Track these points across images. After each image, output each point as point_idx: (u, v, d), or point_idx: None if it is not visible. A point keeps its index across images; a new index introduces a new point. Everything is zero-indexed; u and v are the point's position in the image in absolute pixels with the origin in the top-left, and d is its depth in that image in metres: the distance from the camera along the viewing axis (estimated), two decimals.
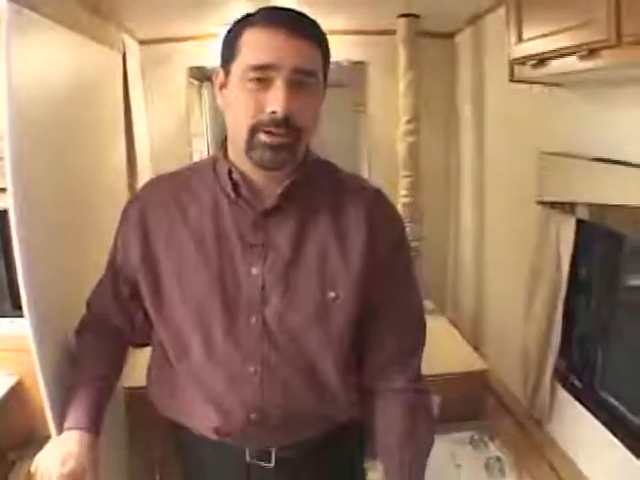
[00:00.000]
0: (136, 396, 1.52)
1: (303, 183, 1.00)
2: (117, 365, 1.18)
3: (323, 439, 1.13)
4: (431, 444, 1.11)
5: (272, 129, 0.89)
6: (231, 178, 0.99)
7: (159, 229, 1.03)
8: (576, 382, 1.48)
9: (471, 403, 1.79)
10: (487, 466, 1.64)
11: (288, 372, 1.04)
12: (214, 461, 1.16)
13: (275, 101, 0.88)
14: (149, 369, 1.20)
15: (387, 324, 1.07)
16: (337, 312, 1.02)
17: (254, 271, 1.00)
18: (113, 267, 1.11)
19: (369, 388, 1.12)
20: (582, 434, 1.37)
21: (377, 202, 1.06)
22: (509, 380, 1.72)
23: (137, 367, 1.56)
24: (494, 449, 1.68)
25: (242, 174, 0.99)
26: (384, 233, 1.04)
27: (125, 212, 1.08)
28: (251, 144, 0.92)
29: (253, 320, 1.01)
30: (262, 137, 0.90)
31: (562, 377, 1.50)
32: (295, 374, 1.05)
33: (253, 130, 0.90)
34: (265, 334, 1.01)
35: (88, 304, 1.18)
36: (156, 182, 1.10)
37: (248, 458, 1.11)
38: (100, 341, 1.15)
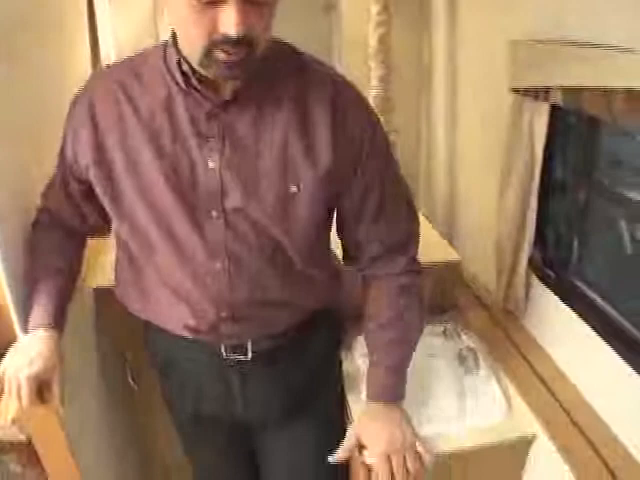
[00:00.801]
0: (105, 296, 1.50)
1: (263, 72, 0.92)
2: (75, 259, 1.16)
3: (297, 328, 1.14)
4: (420, 329, 1.14)
5: (228, 48, 0.81)
6: (181, 69, 0.91)
7: (110, 126, 0.96)
8: (551, 274, 1.47)
9: (444, 296, 1.78)
10: (460, 357, 1.65)
11: (255, 265, 1.02)
12: (189, 359, 1.17)
13: (228, 23, 0.79)
14: (116, 270, 1.18)
15: (374, 215, 1.05)
16: (301, 207, 0.98)
17: (211, 165, 0.94)
18: (63, 165, 1.06)
19: (362, 275, 1.14)
20: (557, 326, 1.38)
21: (341, 88, 0.99)
22: (483, 273, 1.71)
23: (105, 267, 1.53)
24: (468, 341, 1.69)
25: (193, 67, 0.90)
26: (352, 120, 0.97)
27: (73, 107, 1.01)
28: (205, 62, 0.84)
29: (214, 214, 0.97)
30: (218, 55, 0.82)
31: (537, 269, 1.49)
32: (263, 267, 1.03)
33: (207, 49, 0.82)
34: (229, 228, 0.98)
35: (42, 197, 1.13)
36: (104, 74, 1.03)
37: (224, 354, 1.12)
38: (55, 235, 1.12)
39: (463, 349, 1.67)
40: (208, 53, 0.82)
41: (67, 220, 1.12)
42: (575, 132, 1.41)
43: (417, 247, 1.13)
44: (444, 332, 1.76)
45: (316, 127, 0.95)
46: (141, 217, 0.99)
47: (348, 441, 1.10)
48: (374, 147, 1.00)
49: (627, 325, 1.21)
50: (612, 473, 1.09)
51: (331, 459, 1.11)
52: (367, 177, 1.01)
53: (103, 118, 0.96)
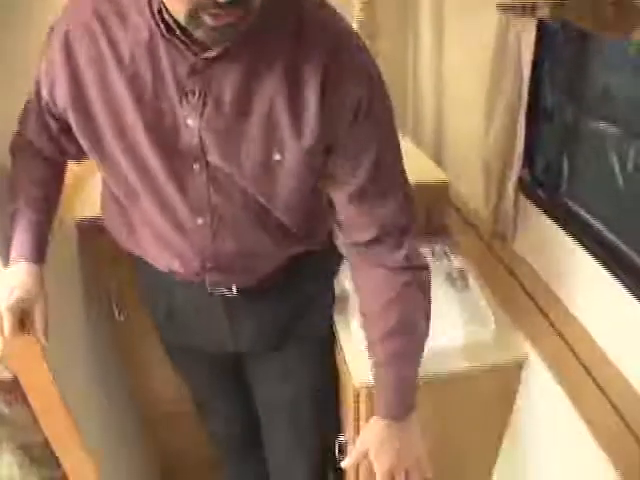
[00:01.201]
0: (88, 228, 1.49)
1: (258, 26, 0.82)
2: (55, 189, 1.13)
3: (286, 268, 1.13)
4: (427, 332, 1.06)
5: (217, 12, 0.73)
6: (163, 18, 0.83)
7: (89, 69, 0.90)
8: (541, 193, 1.44)
9: (433, 219, 1.76)
10: (450, 278, 1.64)
11: (240, 222, 1.00)
12: (176, 290, 1.17)
13: None
14: (102, 203, 1.16)
15: (365, 201, 0.97)
16: (284, 176, 0.93)
17: (190, 123, 0.88)
18: (38, 99, 1.00)
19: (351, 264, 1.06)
20: (548, 246, 1.36)
21: (338, 51, 0.87)
22: (472, 195, 1.68)
23: (88, 199, 1.50)
24: (457, 262, 1.67)
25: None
26: (344, 92, 0.87)
27: (50, 41, 0.94)
28: (192, 24, 0.76)
29: (196, 168, 0.92)
30: (206, 19, 0.74)
31: (526, 189, 1.46)
32: (248, 224, 1.00)
33: (192, 12, 0.74)
34: (211, 183, 0.94)
35: (20, 123, 1.09)
36: (83, 5, 0.92)
37: (209, 290, 1.12)
38: (34, 165, 1.09)
39: (452, 270, 1.66)
40: (193, 15, 0.74)
41: (45, 150, 1.08)
42: (563, 49, 1.34)
43: (413, 244, 1.03)
44: (432, 253, 1.74)
45: (305, 97, 0.86)
46: (122, 163, 0.95)
47: (357, 450, 1.07)
48: (368, 119, 0.90)
49: (619, 244, 1.19)
50: (605, 394, 1.10)
51: (342, 464, 1.09)
52: (357, 148, 0.92)
53: (83, 65, 0.90)
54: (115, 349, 1.78)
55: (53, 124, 1.02)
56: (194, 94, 0.86)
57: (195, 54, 0.84)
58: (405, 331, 1.02)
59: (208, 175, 0.93)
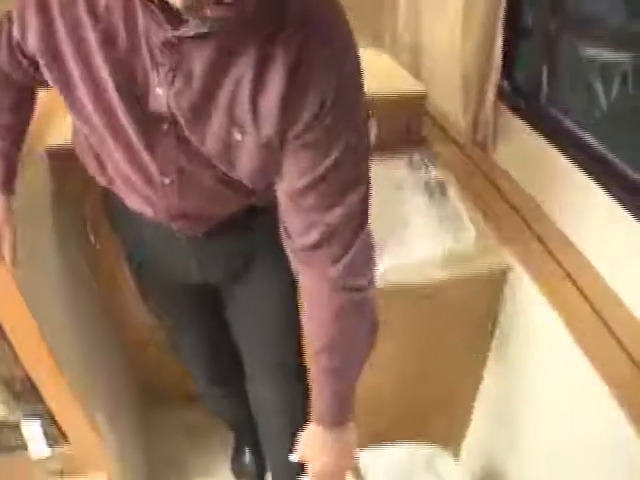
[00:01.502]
0: (60, 156, 1.46)
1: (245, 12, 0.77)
2: (23, 113, 1.11)
3: (251, 207, 1.14)
4: (370, 347, 1.05)
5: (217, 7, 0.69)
6: None
7: (62, 20, 0.85)
8: (521, 102, 1.41)
9: (411, 131, 1.74)
10: (428, 188, 1.63)
11: (204, 182, 1.01)
12: (145, 226, 1.18)
13: None
14: (74, 133, 1.15)
15: (317, 199, 0.91)
16: (245, 157, 0.92)
17: (159, 91, 0.85)
18: (9, 35, 0.96)
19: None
20: (529, 155, 1.35)
21: (315, 47, 0.81)
22: (450, 106, 1.64)
23: (61, 126, 1.46)
24: (435, 172, 1.65)
25: None
26: (310, 90, 0.82)
27: None
28: (188, 13, 0.72)
29: (165, 131, 0.91)
30: (204, 12, 0.70)
31: (506, 98, 1.43)
32: (212, 183, 1.02)
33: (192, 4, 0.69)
34: (179, 148, 0.93)
35: None
36: None
37: (176, 233, 1.15)
38: (3, 91, 1.06)
39: (430, 180, 1.65)
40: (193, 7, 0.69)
41: (14, 75, 1.04)
42: None
43: (360, 253, 0.96)
44: (410, 163, 1.72)
45: (270, 84, 0.82)
46: (93, 118, 0.92)
47: (299, 452, 1.16)
48: (331, 117, 0.85)
49: (602, 150, 1.19)
50: (589, 301, 1.11)
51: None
52: (317, 146, 0.88)
53: (54, 6, 0.84)
54: (93, 276, 1.77)
55: (24, 60, 0.98)
56: (164, 67, 0.83)
57: (171, 26, 0.78)
58: (339, 349, 1.01)
59: (177, 139, 0.92)
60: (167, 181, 0.99)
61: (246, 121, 0.86)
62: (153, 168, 0.97)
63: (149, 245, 1.24)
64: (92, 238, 1.58)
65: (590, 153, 1.20)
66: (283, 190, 0.95)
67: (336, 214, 0.92)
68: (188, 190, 1.01)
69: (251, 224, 1.18)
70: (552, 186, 1.28)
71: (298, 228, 0.96)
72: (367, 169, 0.94)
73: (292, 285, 1.32)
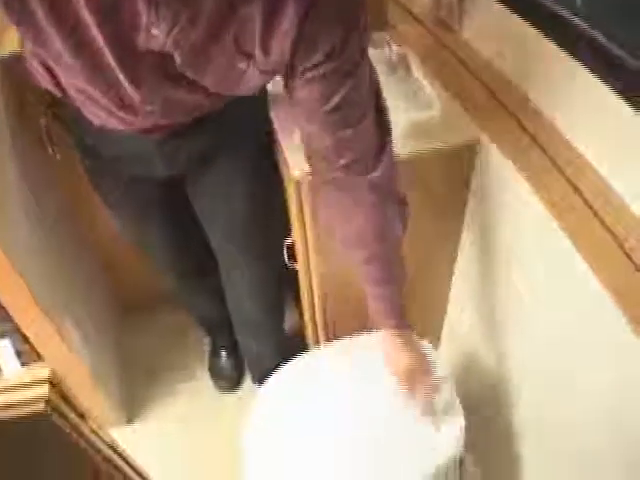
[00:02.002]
0: (12, 62, 1.37)
1: None
2: None
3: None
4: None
5: None
6: None
7: None
8: None
9: (372, 11, 1.64)
10: (390, 64, 1.57)
11: (189, 103, 1.03)
12: (105, 130, 1.13)
13: None
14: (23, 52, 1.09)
15: (336, 127, 0.94)
16: (243, 82, 0.92)
17: (155, 32, 0.79)
18: None
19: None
20: (495, 30, 1.30)
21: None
22: None
23: (12, 33, 1.39)
24: (399, 50, 1.58)
25: None
26: (323, 30, 0.82)
27: None
28: None
29: (155, 66, 0.87)
30: None
31: None
32: (197, 103, 1.04)
33: None
34: (168, 81, 0.92)
35: None
36: None
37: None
38: None
39: (393, 57, 1.57)
40: None
41: None
42: None
43: (388, 164, 1.02)
44: (372, 42, 1.64)
45: (282, 25, 0.80)
46: (56, 42, 0.84)
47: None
48: (341, 57, 0.86)
49: (573, 19, 1.15)
50: (561, 171, 1.09)
51: None
52: (327, 81, 0.89)
53: None
54: (54, 189, 1.74)
55: None
56: (167, 7, 0.75)
57: None
58: (383, 256, 1.09)
59: (166, 74, 0.89)
60: (149, 108, 0.98)
61: (254, 56, 0.85)
62: (135, 98, 0.94)
63: (108, 147, 1.21)
64: (49, 149, 1.52)
65: (564, 25, 1.16)
66: (300, 115, 0.96)
67: (361, 127, 0.95)
68: (170, 112, 1.02)
69: (220, 118, 1.15)
70: (520, 58, 1.25)
71: (330, 150, 0.98)
72: (377, 83, 0.98)
73: (261, 172, 1.35)
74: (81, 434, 0.64)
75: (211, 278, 1.68)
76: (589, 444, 1.12)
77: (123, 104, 0.97)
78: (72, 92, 1.04)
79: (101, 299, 2.08)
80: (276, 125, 1.35)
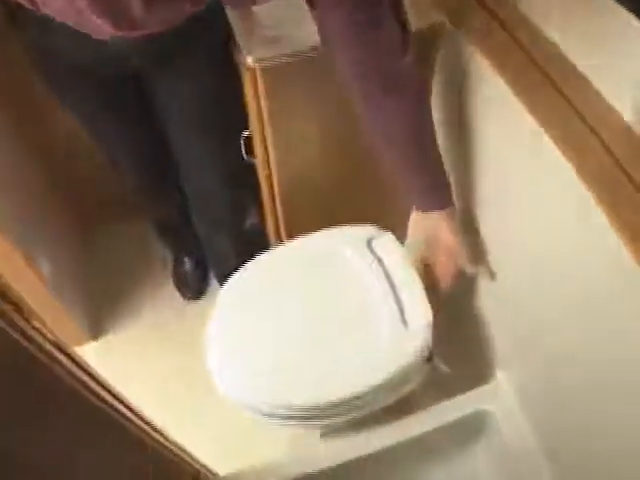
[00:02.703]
0: None
1: None
2: None
3: None
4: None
5: None
6: None
7: None
8: None
9: None
10: None
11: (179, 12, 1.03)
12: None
13: None
14: None
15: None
16: None
17: None
18: None
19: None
20: None
21: None
22: None
23: None
24: None
25: None
26: None
27: None
28: None
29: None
30: None
31: None
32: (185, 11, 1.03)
33: None
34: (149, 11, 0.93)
35: None
36: None
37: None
38: None
39: None
40: None
41: None
42: None
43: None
44: None
45: None
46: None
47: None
48: None
49: None
50: (524, 50, 1.05)
51: None
52: None
53: None
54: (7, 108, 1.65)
55: None
56: None
57: None
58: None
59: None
60: (125, 34, 0.99)
61: None
62: (139, 14, 0.93)
63: (69, 46, 1.16)
64: None
65: None
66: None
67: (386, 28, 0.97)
68: (160, 25, 1.02)
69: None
70: None
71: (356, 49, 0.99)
72: None
73: (220, 63, 1.33)
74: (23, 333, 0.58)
75: (171, 179, 1.65)
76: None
77: (95, 32, 0.97)
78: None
79: (59, 214, 2.01)
80: (229, 14, 1.29)
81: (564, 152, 0.92)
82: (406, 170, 1.16)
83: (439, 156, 1.17)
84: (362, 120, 1.11)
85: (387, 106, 1.07)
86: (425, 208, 1.20)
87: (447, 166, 1.20)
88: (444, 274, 1.27)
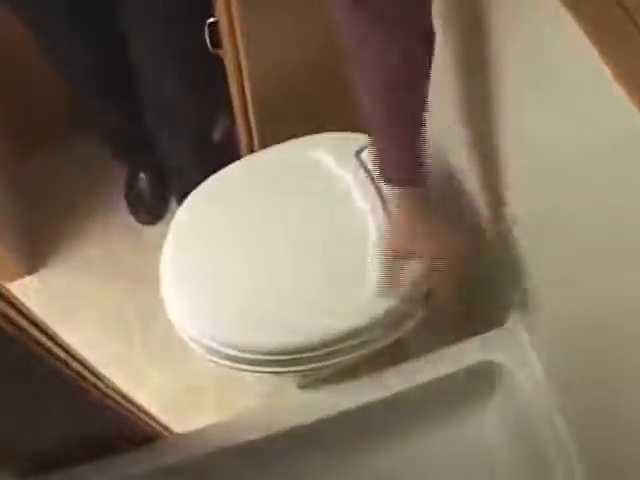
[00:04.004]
0: None
1: None
2: None
3: None
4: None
5: None
6: None
7: None
8: None
9: None
10: None
11: None
12: None
13: None
14: None
15: None
16: None
17: None
18: None
19: None
20: None
21: None
22: None
23: None
24: None
25: None
26: None
27: None
28: None
29: None
30: None
31: None
32: None
33: None
34: None
35: None
36: None
37: None
38: None
39: None
40: None
41: None
42: None
43: None
44: None
45: None
46: None
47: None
48: None
49: None
50: None
51: None
52: None
53: None
54: None
55: None
56: None
57: None
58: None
59: None
60: None
61: None
62: None
63: None
64: None
65: None
66: None
67: None
68: None
69: None
70: None
71: None
72: None
73: None
74: None
75: (124, 81, 1.49)
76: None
77: None
78: None
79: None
80: None
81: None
82: (373, 122, 0.93)
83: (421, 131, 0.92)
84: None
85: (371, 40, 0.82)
86: (382, 173, 0.98)
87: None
88: (437, 280, 1.06)
